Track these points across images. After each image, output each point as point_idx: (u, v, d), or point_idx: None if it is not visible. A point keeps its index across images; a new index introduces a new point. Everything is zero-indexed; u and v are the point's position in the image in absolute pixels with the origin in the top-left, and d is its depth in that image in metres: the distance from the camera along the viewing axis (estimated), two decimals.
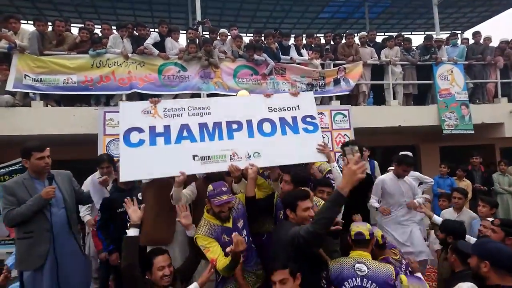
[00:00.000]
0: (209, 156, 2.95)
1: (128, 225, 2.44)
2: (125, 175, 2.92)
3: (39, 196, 2.72)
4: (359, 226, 2.51)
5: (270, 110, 3.21)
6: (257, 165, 2.92)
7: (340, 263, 2.37)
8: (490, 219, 3.20)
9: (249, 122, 3.11)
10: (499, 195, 6.43)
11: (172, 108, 3.10)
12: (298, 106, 3.27)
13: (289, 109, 3.26)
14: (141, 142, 2.94)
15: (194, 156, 2.93)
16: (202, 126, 3.04)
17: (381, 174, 5.17)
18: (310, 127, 3.21)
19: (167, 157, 2.91)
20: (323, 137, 6.11)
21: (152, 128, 2.99)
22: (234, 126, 3.08)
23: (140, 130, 2.98)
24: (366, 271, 2.27)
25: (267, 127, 3.13)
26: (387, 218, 4.13)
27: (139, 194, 3.43)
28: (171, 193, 2.88)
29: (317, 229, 2.09)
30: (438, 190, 5.95)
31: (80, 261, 3.00)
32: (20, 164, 4.83)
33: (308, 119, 3.24)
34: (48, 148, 2.92)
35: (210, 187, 2.61)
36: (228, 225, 2.64)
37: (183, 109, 3.10)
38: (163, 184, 3.05)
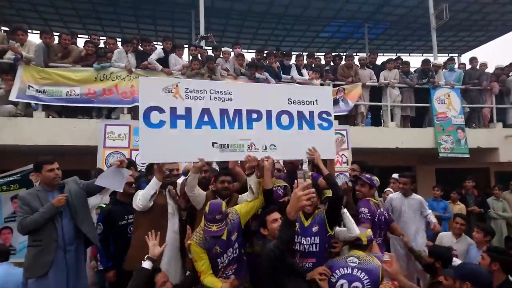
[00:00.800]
0: (228, 145, 2.94)
1: (146, 257, 2.51)
2: (145, 157, 2.88)
3: (50, 204, 2.85)
4: (361, 234, 2.78)
5: (290, 102, 3.19)
6: (272, 157, 2.99)
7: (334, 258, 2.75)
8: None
9: (269, 113, 3.10)
10: (493, 220, 6.46)
11: (194, 90, 2.97)
12: (316, 100, 3.26)
13: (307, 103, 3.24)
14: (161, 123, 2.83)
15: (213, 143, 2.91)
16: (223, 112, 2.98)
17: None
18: (325, 124, 3.24)
19: (187, 142, 2.87)
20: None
21: (173, 110, 2.87)
22: (254, 115, 3.06)
23: (160, 110, 2.84)
24: (357, 262, 2.59)
25: (285, 119, 3.13)
26: None
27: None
28: (187, 179, 2.99)
29: (279, 245, 2.23)
30: (432, 213, 5.97)
31: (83, 274, 3.12)
32: (19, 175, 4.86)
33: (324, 115, 3.26)
34: (56, 162, 3.00)
35: (207, 208, 2.61)
36: (222, 237, 2.64)
37: (205, 92, 2.99)
38: (157, 214, 3.06)
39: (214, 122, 2.96)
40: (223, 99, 3.03)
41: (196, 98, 2.96)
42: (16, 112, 5.41)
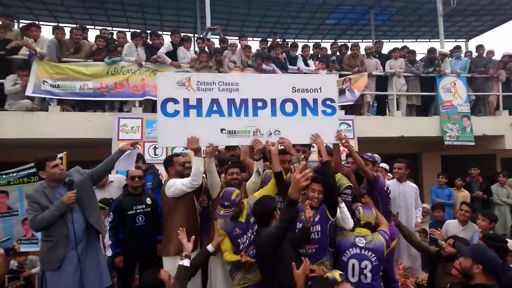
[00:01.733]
0: (235, 131, 3.21)
1: (184, 255, 2.71)
2: (162, 142, 3.28)
3: (60, 201, 2.90)
4: (368, 217, 3.02)
5: (294, 91, 3.35)
6: (274, 141, 3.20)
7: (343, 236, 2.97)
8: None
9: (273, 101, 3.29)
10: (497, 206, 6.59)
11: (204, 82, 3.26)
12: (320, 88, 3.39)
13: (311, 90, 3.38)
14: (176, 112, 3.17)
15: (222, 130, 3.20)
16: (231, 102, 3.25)
17: None
18: (329, 110, 3.37)
19: (199, 129, 3.16)
20: (328, 146, 6.47)
21: (186, 100, 3.20)
22: (259, 104, 3.29)
23: (175, 101, 3.19)
24: (365, 243, 2.88)
25: (289, 107, 3.30)
26: None
27: (148, 199, 3.78)
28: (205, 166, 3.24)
29: (284, 225, 2.45)
30: (437, 200, 6.13)
31: (100, 268, 3.20)
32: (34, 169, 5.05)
33: (328, 102, 3.38)
34: (59, 155, 3.15)
35: (222, 193, 2.99)
36: (241, 219, 3.02)
37: (214, 84, 3.27)
38: (189, 201, 3.38)
39: (222, 110, 3.23)
40: (230, 90, 3.29)
41: (206, 90, 3.25)
42: (33, 106, 5.59)
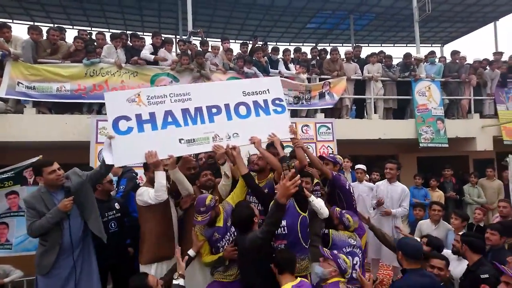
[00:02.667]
0: (194, 139, 3.21)
1: (178, 274, 2.67)
2: (117, 161, 3.07)
3: (56, 209, 2.89)
4: (356, 222, 3.36)
5: (245, 94, 3.51)
6: (236, 144, 3.29)
7: (339, 235, 3.24)
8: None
9: (227, 106, 3.38)
10: (469, 205, 6.88)
11: (155, 96, 3.26)
12: (268, 90, 3.58)
13: (260, 92, 3.55)
14: (129, 129, 3.10)
15: (180, 140, 3.17)
16: (185, 111, 3.26)
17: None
18: (279, 108, 3.54)
19: (156, 142, 3.10)
20: (308, 147, 6.58)
21: (138, 116, 3.15)
22: (214, 110, 3.34)
23: (127, 118, 3.12)
24: (355, 242, 3.22)
25: (242, 110, 3.42)
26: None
27: (116, 204, 3.75)
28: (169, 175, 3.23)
29: (270, 228, 2.53)
30: (413, 200, 6.33)
31: (95, 275, 3.20)
32: (13, 172, 4.91)
33: (277, 101, 3.56)
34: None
35: (196, 201, 3.01)
36: (219, 224, 3.05)
37: (165, 96, 3.28)
38: (161, 208, 3.25)
39: (177, 121, 3.23)
40: (183, 100, 3.32)
41: (158, 103, 3.25)
42: (6, 108, 5.43)
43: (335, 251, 2.73)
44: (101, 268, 3.61)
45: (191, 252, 2.95)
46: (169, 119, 3.20)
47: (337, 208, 3.45)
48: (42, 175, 2.95)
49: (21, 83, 5.50)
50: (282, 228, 2.98)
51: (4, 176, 4.89)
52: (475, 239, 3.21)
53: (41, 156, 4.86)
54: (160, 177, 3.03)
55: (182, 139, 3.17)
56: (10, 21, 10.30)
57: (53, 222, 2.87)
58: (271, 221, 2.49)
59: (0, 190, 4.82)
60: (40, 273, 2.94)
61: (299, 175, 2.61)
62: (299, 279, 2.49)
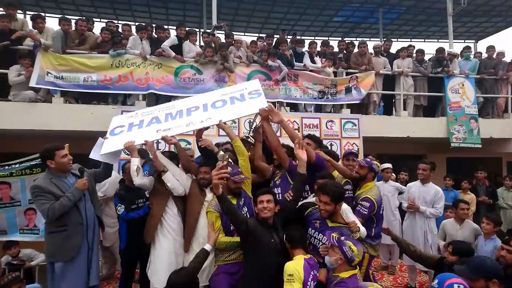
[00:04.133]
0: (169, 128, 3.40)
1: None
2: (104, 150, 3.33)
3: (75, 188, 2.98)
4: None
5: (223, 95, 3.74)
6: (208, 124, 3.38)
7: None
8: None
9: (205, 104, 3.63)
10: (503, 210, 6.49)
11: (148, 112, 3.83)
12: (245, 88, 3.75)
13: (238, 91, 3.73)
14: (121, 132, 3.57)
15: (157, 130, 3.42)
16: (168, 114, 3.62)
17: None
18: (255, 95, 3.56)
19: (137, 134, 3.42)
20: (332, 145, 6.41)
21: (131, 124, 3.66)
22: (193, 109, 3.62)
23: (122, 126, 3.65)
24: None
25: (219, 104, 3.59)
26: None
27: (146, 192, 3.74)
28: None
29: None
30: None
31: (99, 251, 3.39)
32: (40, 160, 5.03)
33: (254, 92, 3.62)
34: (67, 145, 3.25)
35: (229, 168, 2.95)
36: (233, 201, 3.00)
37: (155, 110, 3.81)
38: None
39: (160, 120, 3.59)
40: (168, 107, 3.79)
41: (148, 113, 3.78)
42: (37, 98, 5.57)
43: (343, 237, 2.46)
44: (130, 259, 3.74)
45: (207, 247, 2.85)
46: (153, 121, 3.59)
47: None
48: (54, 159, 3.00)
49: (50, 73, 5.62)
50: (278, 195, 3.13)
51: (32, 163, 5.02)
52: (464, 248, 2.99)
53: (68, 145, 4.95)
54: (133, 162, 3.25)
55: (159, 130, 3.41)
56: (43, 14, 10.63)
57: (74, 200, 2.94)
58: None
59: (29, 177, 4.94)
60: (64, 259, 2.93)
61: (229, 169, 2.82)
62: (309, 255, 2.59)
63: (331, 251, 2.43)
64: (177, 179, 3.28)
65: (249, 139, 3.44)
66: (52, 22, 10.61)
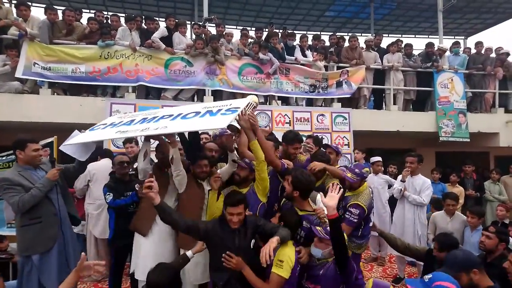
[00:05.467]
0: (127, 131, 3.03)
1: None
2: (70, 141, 3.13)
3: (46, 178, 2.91)
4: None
5: (204, 107, 3.10)
6: (160, 132, 2.84)
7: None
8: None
9: (180, 114, 3.09)
10: (489, 202, 6.61)
11: (137, 114, 3.52)
12: (231, 104, 3.04)
13: (220, 106, 3.05)
14: (98, 128, 3.28)
15: (116, 132, 3.05)
16: (144, 119, 3.16)
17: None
18: (229, 112, 2.80)
19: (102, 133, 3.13)
20: (322, 138, 6.42)
21: (112, 122, 3.34)
22: (166, 116, 3.09)
23: (104, 124, 3.35)
24: None
25: (191, 115, 2.97)
26: None
27: (137, 185, 3.55)
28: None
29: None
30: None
31: (76, 243, 3.33)
32: None
33: (232, 109, 2.86)
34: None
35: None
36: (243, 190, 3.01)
37: (141, 114, 3.39)
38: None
39: (131, 123, 3.16)
40: (149, 113, 3.33)
41: (135, 116, 3.39)
42: (23, 89, 5.45)
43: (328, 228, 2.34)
44: (119, 249, 3.67)
45: (189, 254, 2.70)
46: (127, 123, 3.23)
47: (319, 228, 2.47)
48: (24, 150, 2.92)
49: (37, 64, 5.50)
50: None
51: (13, 157, 4.92)
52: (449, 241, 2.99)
53: (56, 137, 4.87)
54: (142, 146, 3.23)
55: (119, 131, 3.05)
56: (30, 3, 10.37)
57: (45, 191, 2.88)
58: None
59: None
60: (41, 250, 2.89)
61: (152, 178, 2.49)
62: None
63: (322, 244, 2.41)
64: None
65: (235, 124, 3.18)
66: (38, 12, 10.40)
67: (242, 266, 2.41)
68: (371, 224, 3.54)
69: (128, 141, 4.48)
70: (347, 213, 3.17)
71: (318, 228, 2.45)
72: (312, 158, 3.39)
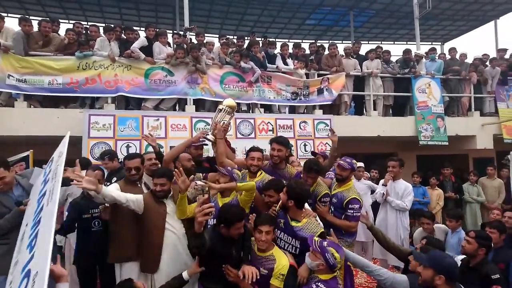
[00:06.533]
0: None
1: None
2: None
3: (16, 210, 2.81)
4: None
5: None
6: None
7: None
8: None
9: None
10: (468, 204, 6.78)
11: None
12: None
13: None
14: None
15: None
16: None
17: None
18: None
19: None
20: (306, 145, 6.47)
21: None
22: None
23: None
24: None
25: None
26: None
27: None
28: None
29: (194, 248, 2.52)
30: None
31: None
32: None
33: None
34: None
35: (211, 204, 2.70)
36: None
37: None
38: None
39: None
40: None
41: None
42: None
43: (325, 242, 2.38)
44: (85, 270, 3.50)
45: (185, 275, 2.61)
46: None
47: (316, 238, 2.48)
48: None
49: (12, 76, 5.38)
50: None
51: None
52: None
53: (32, 150, 4.74)
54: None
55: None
56: (5, 15, 10.13)
57: (13, 222, 2.78)
58: (192, 244, 2.48)
59: None
60: (3, 273, 2.67)
61: (211, 204, 2.42)
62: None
63: (313, 255, 2.39)
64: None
65: (208, 137, 3.34)
66: (12, 23, 10.17)
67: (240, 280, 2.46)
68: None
69: (105, 154, 4.29)
70: (349, 210, 3.33)
71: (315, 238, 2.44)
72: (304, 168, 3.37)
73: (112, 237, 3.10)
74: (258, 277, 2.42)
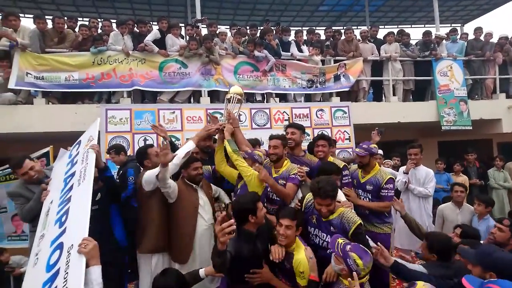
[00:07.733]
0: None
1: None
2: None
3: (40, 190, 2.97)
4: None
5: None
6: None
7: None
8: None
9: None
10: (495, 190, 6.52)
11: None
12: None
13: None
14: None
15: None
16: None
17: None
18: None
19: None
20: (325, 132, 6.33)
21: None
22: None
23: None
24: None
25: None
26: None
27: (98, 194, 3.20)
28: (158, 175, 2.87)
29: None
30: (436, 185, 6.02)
31: None
32: None
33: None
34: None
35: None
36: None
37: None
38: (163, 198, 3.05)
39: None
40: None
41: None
42: (17, 100, 5.39)
43: (348, 246, 2.21)
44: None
45: (201, 273, 2.54)
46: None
47: (341, 240, 2.30)
48: (17, 174, 3.07)
49: (30, 74, 5.44)
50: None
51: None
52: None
53: (51, 146, 4.81)
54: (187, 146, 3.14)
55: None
56: (22, 15, 10.32)
57: (36, 208, 2.89)
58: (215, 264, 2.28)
59: (14, 182, 4.80)
60: None
61: (231, 221, 2.14)
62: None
63: (336, 259, 2.25)
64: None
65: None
66: (27, 22, 10.35)
67: (270, 276, 2.44)
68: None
69: (111, 149, 4.29)
70: (385, 190, 3.42)
71: (339, 240, 2.28)
72: (320, 167, 3.26)
73: (144, 227, 3.04)
74: (282, 256, 2.42)
